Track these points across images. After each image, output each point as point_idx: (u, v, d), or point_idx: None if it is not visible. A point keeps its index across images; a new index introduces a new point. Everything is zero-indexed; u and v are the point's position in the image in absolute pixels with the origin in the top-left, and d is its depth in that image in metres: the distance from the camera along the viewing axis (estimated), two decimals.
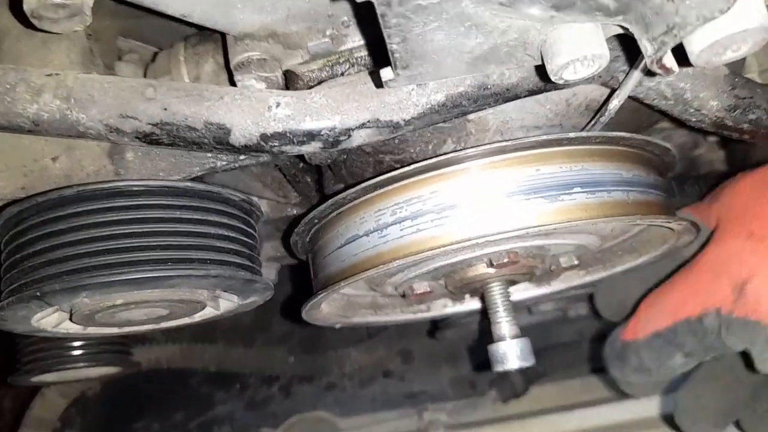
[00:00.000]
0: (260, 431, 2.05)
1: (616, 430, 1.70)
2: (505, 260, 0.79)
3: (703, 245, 0.85)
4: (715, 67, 0.72)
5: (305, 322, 0.94)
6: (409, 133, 0.83)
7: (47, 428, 1.89)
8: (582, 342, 1.86)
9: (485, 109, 0.73)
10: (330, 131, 0.69)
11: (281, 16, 0.75)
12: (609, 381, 1.68)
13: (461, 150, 0.69)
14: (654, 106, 0.75)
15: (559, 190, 0.68)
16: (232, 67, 0.77)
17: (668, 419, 1.54)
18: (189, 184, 0.71)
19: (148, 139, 0.70)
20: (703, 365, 0.88)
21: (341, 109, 0.69)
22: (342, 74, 0.77)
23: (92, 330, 0.83)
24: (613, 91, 0.72)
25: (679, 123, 0.79)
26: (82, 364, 1.09)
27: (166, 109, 0.68)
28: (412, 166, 0.69)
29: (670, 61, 0.47)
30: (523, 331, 0.85)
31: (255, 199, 0.89)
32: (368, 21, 0.53)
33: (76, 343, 1.08)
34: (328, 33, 0.77)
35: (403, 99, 0.69)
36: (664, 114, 0.76)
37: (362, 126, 0.69)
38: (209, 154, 0.79)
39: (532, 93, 0.71)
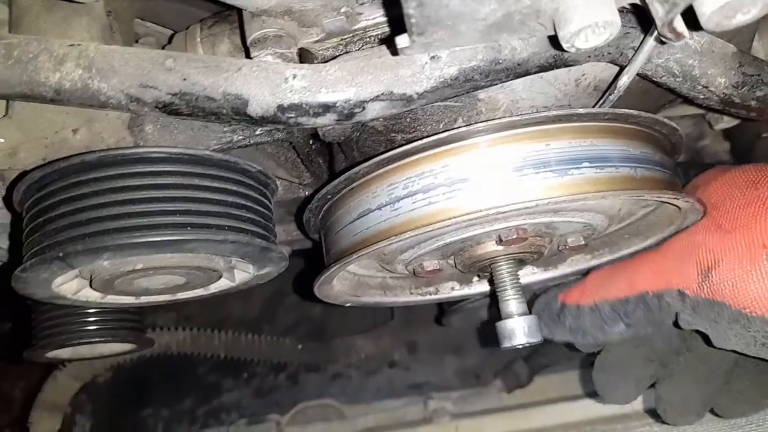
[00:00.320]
0: (267, 418, 2.07)
1: (619, 421, 1.71)
2: (514, 236, 0.80)
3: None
4: (722, 43, 0.73)
5: (311, 313, 0.96)
6: (420, 112, 0.84)
7: (59, 411, 1.92)
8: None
9: (496, 84, 0.75)
10: (345, 103, 0.71)
11: None
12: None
13: (472, 124, 0.70)
14: (662, 83, 0.76)
15: (568, 165, 0.69)
16: (248, 43, 0.79)
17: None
18: (207, 152, 0.73)
19: (167, 109, 0.71)
20: (683, 360, 0.94)
21: (356, 82, 0.70)
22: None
23: (111, 298, 0.85)
24: (622, 68, 0.74)
25: (688, 101, 0.80)
26: (97, 339, 1.10)
27: (185, 80, 0.70)
28: (424, 140, 0.71)
29: (681, 25, 0.49)
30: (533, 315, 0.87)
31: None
32: None
33: (92, 318, 1.09)
34: (343, 11, 0.79)
35: (417, 72, 0.70)
36: (672, 92, 0.77)
37: (376, 98, 0.71)
38: (226, 128, 0.81)
39: (542, 69, 0.73)
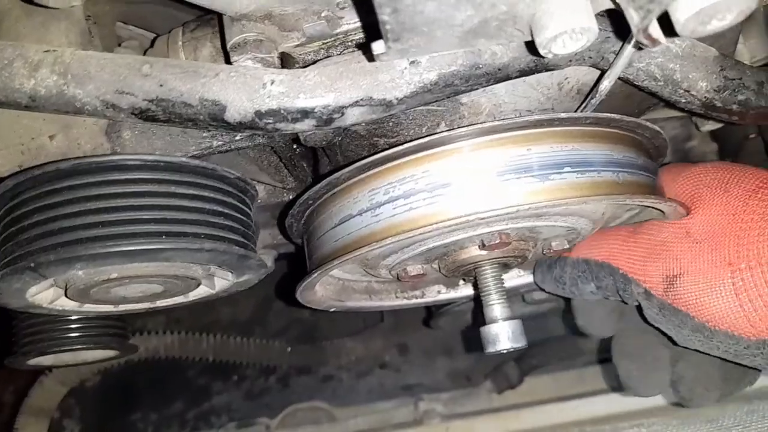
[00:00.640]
0: (258, 422, 2.06)
1: (610, 421, 1.71)
2: (497, 241, 0.79)
3: None
4: (703, 47, 0.72)
5: (301, 316, 0.95)
6: (403, 116, 0.84)
7: (45, 417, 1.90)
8: (576, 334, 1.87)
9: (477, 89, 0.74)
10: (324, 108, 0.70)
11: None
12: (610, 374, 1.71)
13: (453, 129, 0.70)
14: (644, 87, 0.76)
15: (550, 170, 0.69)
16: (228, 47, 0.78)
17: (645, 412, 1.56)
18: (184, 159, 0.72)
19: (144, 115, 0.70)
20: None
21: (335, 87, 0.69)
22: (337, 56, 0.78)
23: (88, 307, 0.84)
24: (603, 72, 0.73)
25: (671, 106, 0.80)
26: (79, 346, 1.09)
27: (162, 86, 0.69)
28: (405, 146, 0.70)
29: (656, 31, 0.48)
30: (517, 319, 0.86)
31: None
32: None
33: (74, 325, 1.08)
34: (323, 15, 0.78)
35: (396, 77, 0.69)
36: (654, 95, 0.77)
37: (355, 104, 0.70)
38: (205, 134, 0.80)
39: (523, 73, 0.72)
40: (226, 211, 0.74)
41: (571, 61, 0.72)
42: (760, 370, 0.85)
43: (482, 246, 0.82)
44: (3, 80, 0.69)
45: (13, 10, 0.82)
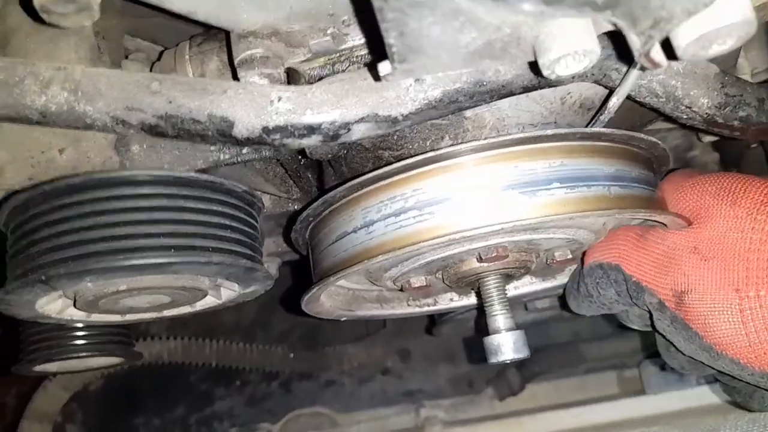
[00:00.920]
0: (260, 427, 2.07)
1: (609, 429, 1.72)
2: (494, 254, 0.80)
3: None
4: (704, 64, 0.73)
5: (304, 320, 0.96)
6: (408, 130, 0.85)
7: (48, 422, 1.91)
8: (578, 341, 1.88)
9: (481, 105, 0.75)
10: (330, 125, 0.71)
11: (283, 14, 0.77)
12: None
13: (442, 149, 0.71)
14: (646, 103, 0.77)
15: (538, 186, 0.70)
16: (235, 63, 0.79)
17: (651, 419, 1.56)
18: (193, 174, 0.73)
19: (153, 131, 0.71)
20: None
21: (341, 104, 0.71)
22: (343, 72, 0.79)
23: (96, 317, 0.85)
24: (611, 90, 0.74)
25: (673, 121, 0.81)
26: (84, 354, 1.10)
27: (171, 102, 0.70)
28: (394, 166, 0.71)
29: (658, 55, 0.49)
30: (520, 329, 0.87)
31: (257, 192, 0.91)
32: (368, 17, 0.55)
33: (80, 333, 1.09)
34: (329, 32, 0.79)
35: (401, 94, 0.71)
36: (656, 111, 0.78)
37: (361, 120, 0.71)
38: (213, 148, 0.81)
39: (526, 90, 0.73)
40: (234, 224, 0.75)
41: (574, 78, 0.73)
42: None
43: (480, 259, 0.83)
44: (15, 97, 0.70)
45: (23, 26, 0.83)
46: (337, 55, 0.80)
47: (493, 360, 0.85)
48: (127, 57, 1.03)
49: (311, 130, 0.71)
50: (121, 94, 0.70)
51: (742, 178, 0.80)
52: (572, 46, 0.54)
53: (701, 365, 0.86)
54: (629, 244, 0.86)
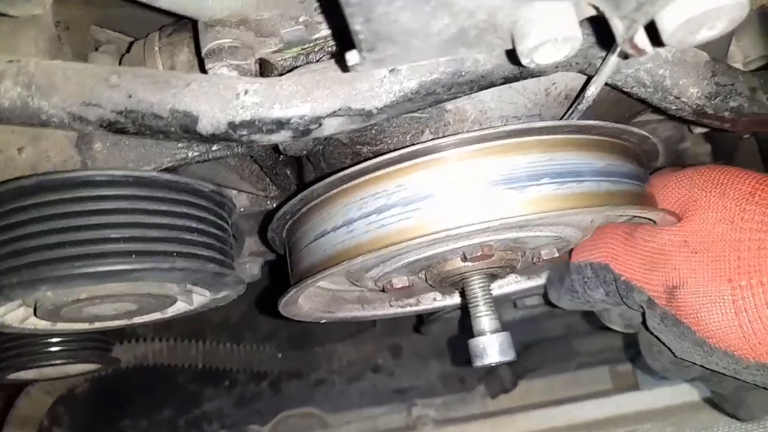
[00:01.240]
0: (249, 429, 2.04)
1: (603, 425, 1.70)
2: (479, 253, 0.77)
3: None
4: (694, 51, 0.70)
5: (293, 320, 0.93)
6: (387, 124, 0.81)
7: (33, 426, 1.88)
8: (569, 337, 1.86)
9: (460, 97, 0.71)
10: (300, 119, 0.67)
11: (252, 1, 0.73)
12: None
13: (428, 142, 0.67)
14: (633, 94, 0.73)
15: (527, 182, 0.66)
16: (203, 54, 0.75)
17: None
18: (155, 174, 0.69)
19: (113, 127, 0.68)
20: None
21: (311, 97, 0.67)
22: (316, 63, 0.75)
23: (61, 326, 0.81)
24: (590, 78, 0.71)
25: (661, 112, 0.77)
26: (58, 361, 1.06)
27: (130, 97, 0.66)
28: (376, 160, 0.67)
29: (642, 41, 0.46)
30: (511, 326, 0.84)
31: (230, 191, 0.87)
32: (332, 2, 0.51)
33: (53, 340, 1.05)
34: (301, 20, 0.75)
35: (375, 86, 0.67)
36: (644, 102, 0.74)
37: (333, 114, 0.67)
38: (180, 144, 0.77)
39: (507, 80, 0.69)
40: (201, 226, 0.71)
41: (557, 67, 0.70)
42: None
43: (464, 258, 0.80)
44: None
45: None
46: (311, 44, 0.76)
47: (478, 363, 0.82)
48: (97, 49, 0.99)
49: (280, 125, 0.67)
50: (78, 89, 0.66)
51: (730, 170, 0.79)
52: (552, 32, 0.50)
53: (684, 367, 0.85)
54: (618, 242, 0.84)
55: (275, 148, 0.85)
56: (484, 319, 0.84)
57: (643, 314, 0.84)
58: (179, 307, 0.83)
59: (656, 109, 0.76)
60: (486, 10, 0.50)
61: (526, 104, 0.80)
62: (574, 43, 0.51)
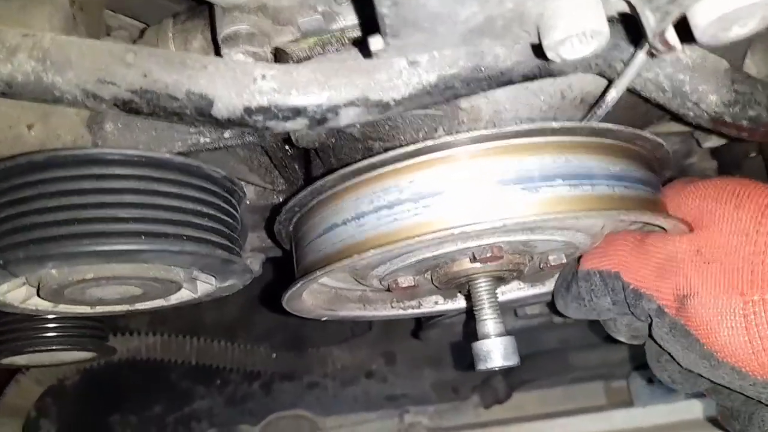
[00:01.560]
0: (239, 429, 2.02)
1: None
2: (489, 254, 0.76)
3: None
4: (714, 58, 0.70)
5: (287, 319, 0.92)
6: (400, 120, 0.81)
7: (20, 416, 1.85)
8: (566, 350, 1.85)
9: (478, 93, 0.71)
10: (317, 108, 0.66)
11: None
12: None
13: (443, 138, 0.66)
14: (651, 99, 0.73)
15: (541, 182, 0.65)
16: (219, 40, 0.75)
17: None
18: (167, 155, 0.68)
19: (126, 107, 0.67)
20: None
21: (329, 85, 0.66)
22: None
23: (63, 308, 0.80)
24: (611, 81, 0.70)
25: (678, 119, 0.77)
26: (54, 347, 1.05)
27: (146, 76, 0.65)
28: (391, 153, 0.66)
29: (672, 37, 0.45)
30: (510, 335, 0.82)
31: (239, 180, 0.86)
32: None
33: (50, 325, 1.04)
34: (320, 9, 0.75)
35: (394, 77, 0.66)
36: (662, 108, 0.74)
37: (350, 104, 0.67)
38: (192, 129, 0.77)
39: (526, 78, 0.69)
40: (211, 212, 0.70)
41: (577, 67, 0.69)
42: None
43: (474, 259, 0.79)
44: None
45: None
46: (328, 35, 0.76)
47: (481, 366, 0.81)
48: (108, 35, 0.99)
49: (296, 112, 0.66)
50: (93, 65, 0.66)
51: (745, 182, 0.78)
52: (580, 25, 0.50)
53: (692, 379, 0.84)
54: (628, 250, 0.83)
55: (286, 139, 0.84)
56: (490, 322, 0.83)
57: (650, 324, 0.83)
58: (183, 295, 0.82)
59: (674, 117, 0.76)
60: (514, 0, 0.50)
61: (542, 107, 0.79)
62: (601, 38, 0.51)
